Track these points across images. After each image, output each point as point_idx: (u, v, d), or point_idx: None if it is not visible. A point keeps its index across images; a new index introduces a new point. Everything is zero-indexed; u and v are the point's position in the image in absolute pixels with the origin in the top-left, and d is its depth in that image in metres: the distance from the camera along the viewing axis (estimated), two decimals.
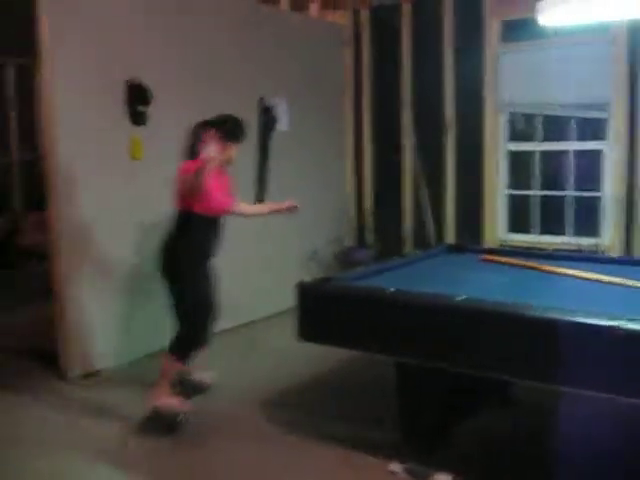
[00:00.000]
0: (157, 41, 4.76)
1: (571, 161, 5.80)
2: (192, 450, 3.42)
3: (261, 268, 5.70)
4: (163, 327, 3.88)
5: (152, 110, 4.65)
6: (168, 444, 3.48)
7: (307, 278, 3.35)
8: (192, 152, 3.60)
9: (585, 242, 5.61)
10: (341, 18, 6.58)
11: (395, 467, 3.07)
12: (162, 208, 3.95)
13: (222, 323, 5.24)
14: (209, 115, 3.70)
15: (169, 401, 3.65)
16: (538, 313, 2.56)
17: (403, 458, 3.07)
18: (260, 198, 5.39)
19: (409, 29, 6.26)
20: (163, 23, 4.80)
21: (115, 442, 3.48)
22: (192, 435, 3.56)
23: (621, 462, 3.15)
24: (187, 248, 3.69)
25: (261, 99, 5.48)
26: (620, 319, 2.37)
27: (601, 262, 3.94)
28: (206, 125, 3.66)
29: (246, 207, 4.18)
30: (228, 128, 3.71)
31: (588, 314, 2.48)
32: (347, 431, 3.50)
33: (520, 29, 5.67)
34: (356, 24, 6.56)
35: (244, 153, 5.31)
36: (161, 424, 3.57)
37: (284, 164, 5.75)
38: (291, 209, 4.12)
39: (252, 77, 5.46)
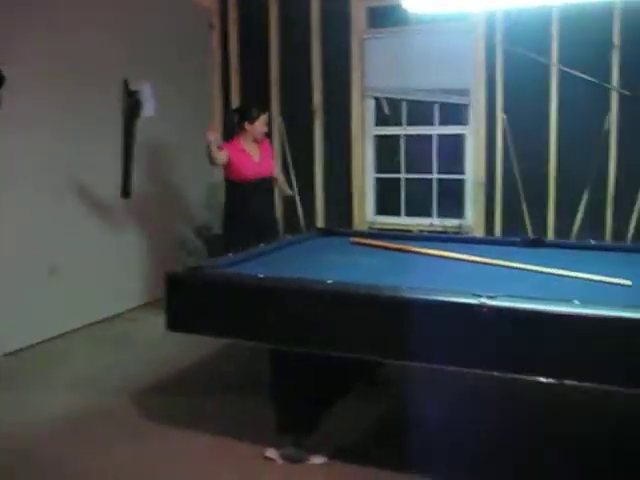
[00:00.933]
0: (12, 23, 4.47)
1: (436, 145, 5.99)
2: (64, 446, 3.28)
3: (130, 258, 5.54)
4: None
5: (5, 93, 4.37)
6: (41, 439, 3.32)
7: (177, 267, 3.27)
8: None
9: (450, 223, 5.82)
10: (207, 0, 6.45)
11: (271, 453, 3.07)
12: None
13: (89, 316, 5.15)
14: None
15: None
16: (403, 293, 2.61)
17: (279, 444, 3.07)
18: (126, 190, 5.20)
19: (277, 13, 6.23)
20: (20, 3, 4.52)
21: None
22: (65, 431, 3.42)
23: (477, 434, 3.31)
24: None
25: (125, 82, 5.28)
26: (481, 296, 2.45)
27: (465, 242, 4.07)
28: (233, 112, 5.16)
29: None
30: (240, 112, 4.91)
31: (451, 293, 2.55)
32: (223, 420, 3.47)
33: (386, 15, 5.79)
34: (223, 6, 6.44)
35: (106, 140, 5.18)
36: None
37: (150, 152, 5.59)
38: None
39: (115, 60, 5.24)
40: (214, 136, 4.57)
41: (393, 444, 3.19)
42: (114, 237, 5.40)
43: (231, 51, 6.47)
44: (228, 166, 4.70)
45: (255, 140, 4.81)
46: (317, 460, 3.03)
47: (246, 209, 4.73)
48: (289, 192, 5.36)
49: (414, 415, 3.51)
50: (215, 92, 6.57)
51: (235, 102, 6.49)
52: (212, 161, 4.63)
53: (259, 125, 4.78)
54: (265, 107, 5.20)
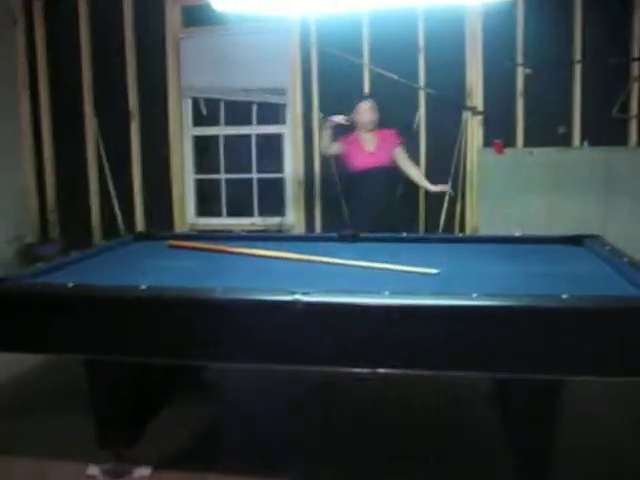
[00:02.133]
0: None
1: (255, 144, 6.01)
2: None
3: None
4: None
5: None
6: None
7: None
8: None
9: (271, 222, 5.86)
10: None
11: (93, 470, 2.93)
12: None
13: None
14: None
15: None
16: (218, 294, 2.58)
17: (101, 460, 2.94)
18: None
19: (87, 11, 5.96)
20: None
21: None
22: None
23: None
24: None
25: None
26: (295, 293, 2.47)
27: (285, 240, 4.12)
28: None
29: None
30: None
31: (265, 291, 2.54)
32: (43, 439, 3.27)
33: (202, 14, 5.71)
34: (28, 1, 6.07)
35: None
36: None
37: None
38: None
39: None
40: (338, 118, 4.81)
41: (220, 447, 3.16)
42: None
43: (39, 51, 6.10)
44: (343, 157, 4.97)
45: (369, 130, 4.94)
46: (142, 472, 2.93)
47: (360, 199, 4.94)
48: (432, 188, 5.07)
49: (239, 416, 3.51)
50: (23, 97, 6.17)
51: (45, 108, 6.13)
52: (323, 149, 5.08)
53: (361, 114, 4.91)
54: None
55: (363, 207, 4.93)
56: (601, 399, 3.49)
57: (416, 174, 5.07)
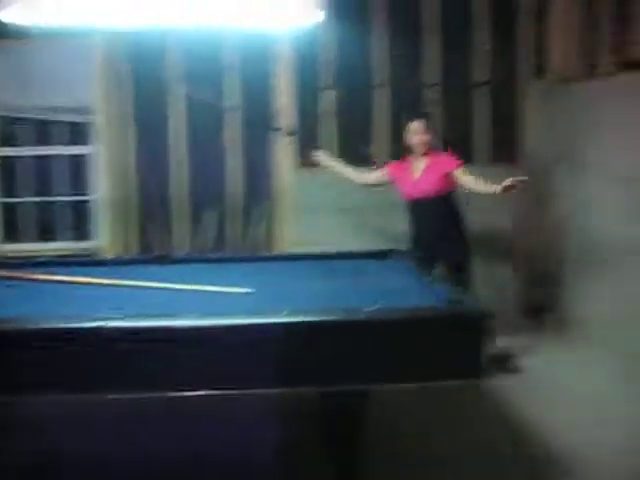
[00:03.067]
0: None
1: (61, 165, 5.73)
2: None
3: None
4: None
5: None
6: None
7: None
8: None
9: (81, 246, 5.61)
10: None
11: None
12: None
13: None
14: None
15: None
16: (18, 324, 2.44)
17: None
18: None
19: None
20: None
21: None
22: None
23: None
24: None
25: None
26: (105, 319, 2.39)
27: (97, 265, 3.96)
28: None
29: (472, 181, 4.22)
30: None
31: (71, 318, 2.46)
32: None
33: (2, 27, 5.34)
34: None
35: None
36: None
37: None
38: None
39: None
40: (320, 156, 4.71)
41: None
42: None
43: None
44: (396, 184, 4.49)
45: (421, 154, 4.38)
46: None
47: (412, 230, 4.51)
48: (500, 188, 3.92)
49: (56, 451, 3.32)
50: None
51: None
52: (357, 181, 4.68)
53: (410, 136, 4.37)
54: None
55: (416, 238, 4.48)
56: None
57: (482, 187, 4.15)
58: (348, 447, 2.66)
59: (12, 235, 5.77)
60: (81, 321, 2.40)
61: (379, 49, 5.49)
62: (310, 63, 5.47)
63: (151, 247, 5.41)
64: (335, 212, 5.43)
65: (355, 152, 5.43)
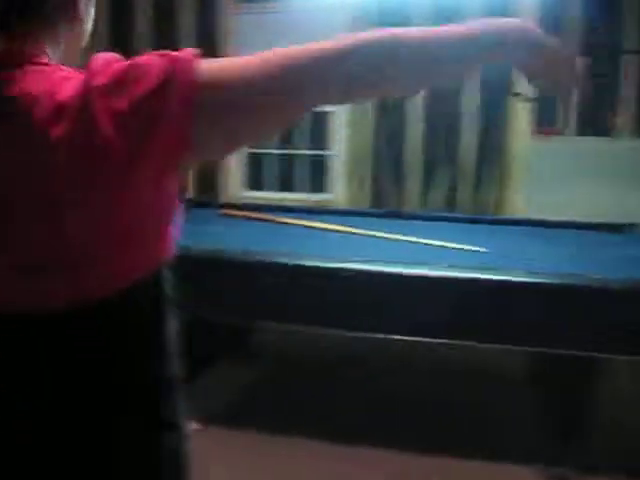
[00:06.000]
0: None
1: (303, 121, 6.08)
2: None
3: None
4: None
5: None
6: None
7: None
8: None
9: (317, 198, 5.95)
10: None
11: None
12: None
13: None
14: None
15: None
16: (270, 258, 2.71)
17: None
18: None
19: None
20: None
21: None
22: None
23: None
24: None
25: None
26: (351, 261, 2.58)
27: (335, 214, 4.21)
28: None
29: None
30: None
31: (328, 259, 2.67)
32: None
33: None
34: None
35: None
36: None
37: None
38: None
39: None
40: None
41: (266, 409, 3.29)
42: None
43: None
44: None
45: None
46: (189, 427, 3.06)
47: None
48: None
49: (287, 381, 3.63)
50: None
51: None
52: None
53: None
54: None
55: None
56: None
57: None
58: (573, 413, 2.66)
59: (256, 184, 6.27)
60: (325, 261, 2.62)
61: (629, 12, 5.18)
62: (554, 27, 5.29)
63: (382, 203, 5.60)
64: (568, 181, 5.27)
65: (597, 122, 5.22)
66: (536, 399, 3.08)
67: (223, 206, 4.23)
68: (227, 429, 3.05)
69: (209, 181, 6.12)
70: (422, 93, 5.40)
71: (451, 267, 2.55)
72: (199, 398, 3.17)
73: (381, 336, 2.72)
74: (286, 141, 6.21)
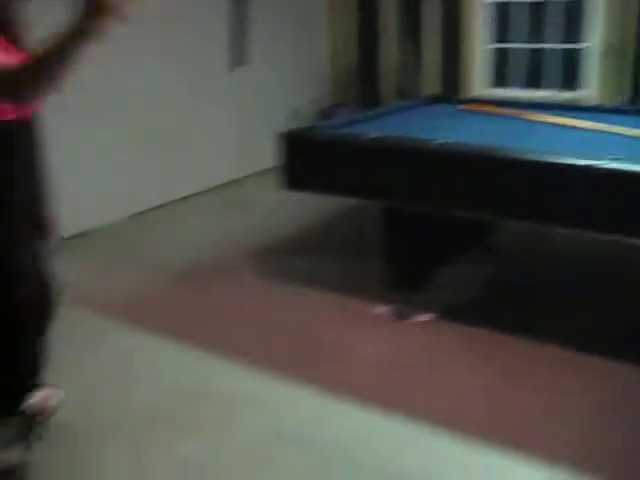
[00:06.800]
0: None
1: (555, 11, 5.66)
2: (190, 290, 3.56)
3: (238, 127, 5.64)
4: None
5: None
6: (171, 289, 3.60)
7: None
8: None
9: (567, 95, 5.57)
10: None
11: (380, 309, 3.19)
12: None
13: (210, 181, 5.32)
14: None
15: None
16: (519, 154, 2.58)
17: (388, 301, 3.19)
18: (240, 58, 5.23)
19: None
20: None
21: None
22: (190, 279, 3.69)
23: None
24: None
25: None
26: (603, 159, 2.40)
27: (582, 111, 3.93)
28: None
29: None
30: None
31: (571, 154, 2.51)
32: (337, 278, 3.60)
33: None
34: None
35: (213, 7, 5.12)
36: None
37: (258, 20, 5.54)
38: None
39: None
40: None
41: (499, 307, 3.25)
42: (231, 106, 5.49)
43: None
44: None
45: None
46: (424, 318, 3.13)
47: None
48: None
49: (523, 281, 3.54)
50: None
51: None
52: None
53: None
54: None
55: None
56: None
57: None
58: None
59: (501, 81, 6.00)
60: (577, 158, 2.46)
61: None
62: None
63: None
64: None
65: None
66: None
67: (464, 102, 4.11)
68: (457, 323, 3.07)
69: (452, 79, 5.97)
70: None
71: None
72: (433, 291, 3.22)
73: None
74: (535, 35, 5.82)
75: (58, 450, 2.30)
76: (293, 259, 3.96)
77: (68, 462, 2.26)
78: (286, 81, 6.03)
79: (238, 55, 5.27)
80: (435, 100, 4.26)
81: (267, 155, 5.54)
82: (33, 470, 2.17)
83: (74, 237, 4.29)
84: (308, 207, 4.59)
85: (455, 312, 3.16)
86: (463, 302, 3.29)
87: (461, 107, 3.93)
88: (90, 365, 2.87)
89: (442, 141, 2.76)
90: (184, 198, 5.15)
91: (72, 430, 2.42)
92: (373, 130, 3.14)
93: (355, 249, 3.96)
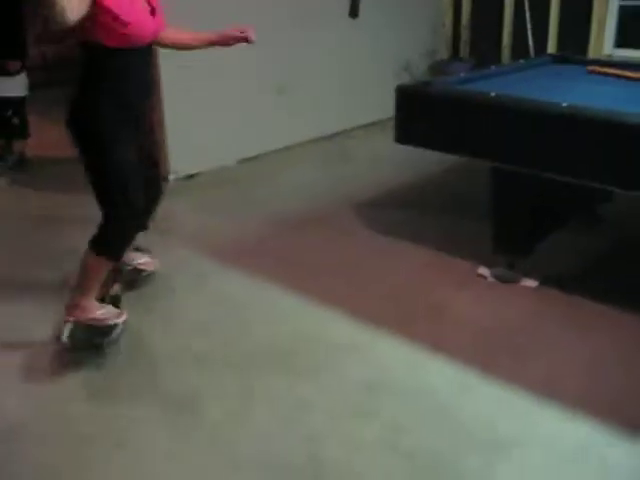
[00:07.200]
0: None
1: None
2: (294, 237, 3.63)
3: (354, 78, 5.60)
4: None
5: None
6: (271, 230, 3.68)
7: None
8: None
9: None
10: None
11: (484, 271, 3.16)
12: None
13: (313, 132, 5.33)
14: None
15: (99, 313, 2.67)
16: None
17: (492, 263, 3.14)
18: (354, 10, 5.18)
19: None
20: None
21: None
22: (293, 226, 3.77)
23: None
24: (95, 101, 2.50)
25: None
26: None
27: None
28: None
29: (176, 34, 2.80)
30: None
31: None
32: (441, 236, 3.59)
33: None
34: None
35: None
36: (90, 342, 2.63)
37: None
38: (240, 40, 2.76)
39: None
40: None
41: (604, 278, 3.15)
42: (339, 57, 5.45)
43: None
44: None
45: None
46: (528, 283, 3.07)
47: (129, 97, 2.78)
48: None
49: (635, 253, 3.42)
50: None
51: None
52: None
53: None
54: None
55: None
56: None
57: None
58: None
59: (629, 41, 5.66)
60: None
61: None
62: None
63: None
64: None
65: None
66: None
67: (590, 62, 3.91)
68: (562, 292, 2.99)
69: (576, 37, 5.70)
70: None
71: None
72: (538, 258, 3.14)
73: None
74: None
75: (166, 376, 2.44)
76: (398, 213, 3.95)
77: (179, 389, 2.40)
78: (399, 32, 5.91)
79: (352, 7, 5.23)
80: (557, 60, 4.08)
81: (375, 108, 5.55)
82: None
83: (184, 179, 4.46)
84: (414, 162, 4.54)
85: (560, 280, 3.09)
86: (568, 270, 3.21)
87: (587, 69, 3.75)
88: (193, 304, 3.00)
89: (566, 104, 2.66)
90: (289, 147, 5.19)
91: (181, 361, 2.55)
92: (491, 88, 3.05)
93: (460, 208, 3.91)
